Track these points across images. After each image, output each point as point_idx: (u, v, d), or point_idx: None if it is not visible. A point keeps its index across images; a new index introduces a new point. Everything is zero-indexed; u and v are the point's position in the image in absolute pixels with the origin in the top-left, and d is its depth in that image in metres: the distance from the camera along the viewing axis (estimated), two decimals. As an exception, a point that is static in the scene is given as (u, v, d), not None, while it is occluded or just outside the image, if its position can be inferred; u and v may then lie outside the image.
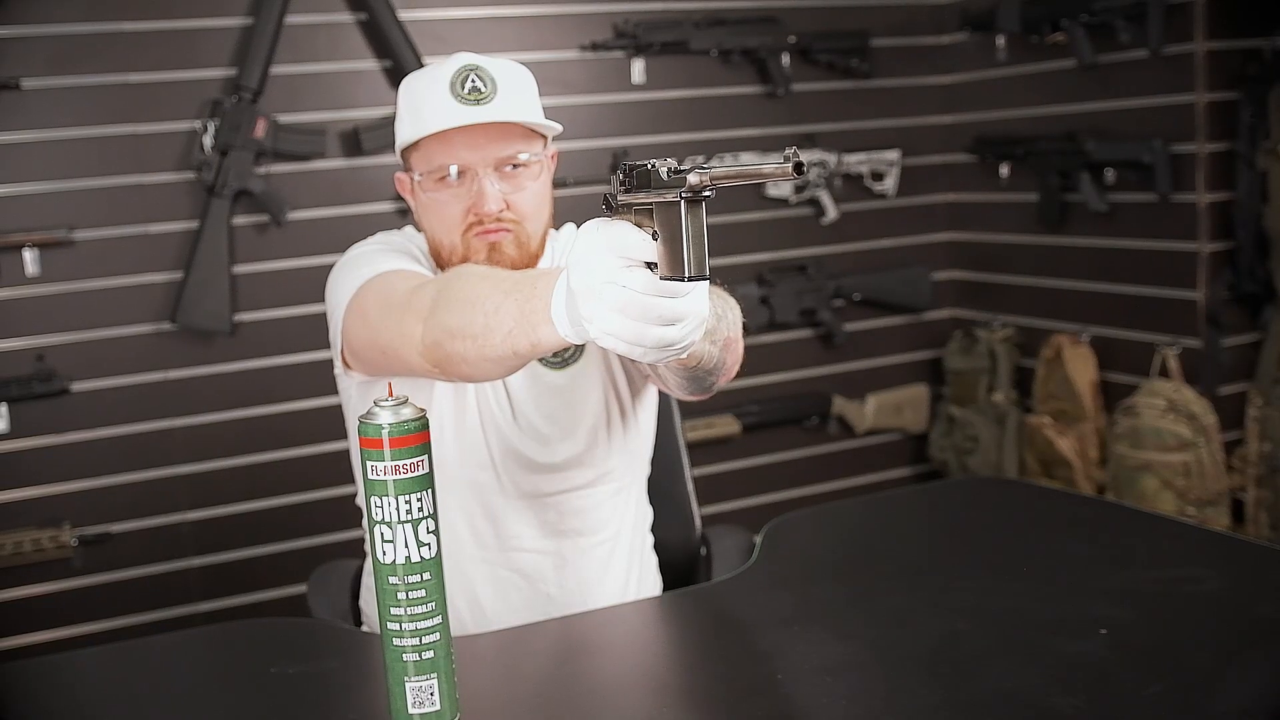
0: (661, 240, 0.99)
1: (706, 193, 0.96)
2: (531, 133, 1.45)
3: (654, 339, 0.96)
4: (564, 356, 1.51)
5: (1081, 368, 2.87)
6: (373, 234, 1.58)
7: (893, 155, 3.28)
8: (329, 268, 1.60)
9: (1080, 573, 1.44)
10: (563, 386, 1.50)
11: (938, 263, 3.40)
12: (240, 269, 2.63)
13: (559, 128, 1.45)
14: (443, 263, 1.46)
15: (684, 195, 0.97)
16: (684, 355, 1.01)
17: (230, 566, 2.63)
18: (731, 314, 1.26)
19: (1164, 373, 2.68)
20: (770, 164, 0.93)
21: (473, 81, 1.39)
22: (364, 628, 1.60)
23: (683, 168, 0.97)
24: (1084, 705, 1.10)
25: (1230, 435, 2.65)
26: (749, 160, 3.12)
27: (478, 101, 1.39)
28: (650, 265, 0.98)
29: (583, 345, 1.51)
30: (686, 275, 0.97)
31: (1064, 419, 2.90)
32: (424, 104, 1.41)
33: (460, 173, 1.42)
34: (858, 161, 3.26)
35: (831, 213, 3.24)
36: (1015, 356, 3.17)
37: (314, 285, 1.59)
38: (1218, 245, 2.65)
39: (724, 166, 0.96)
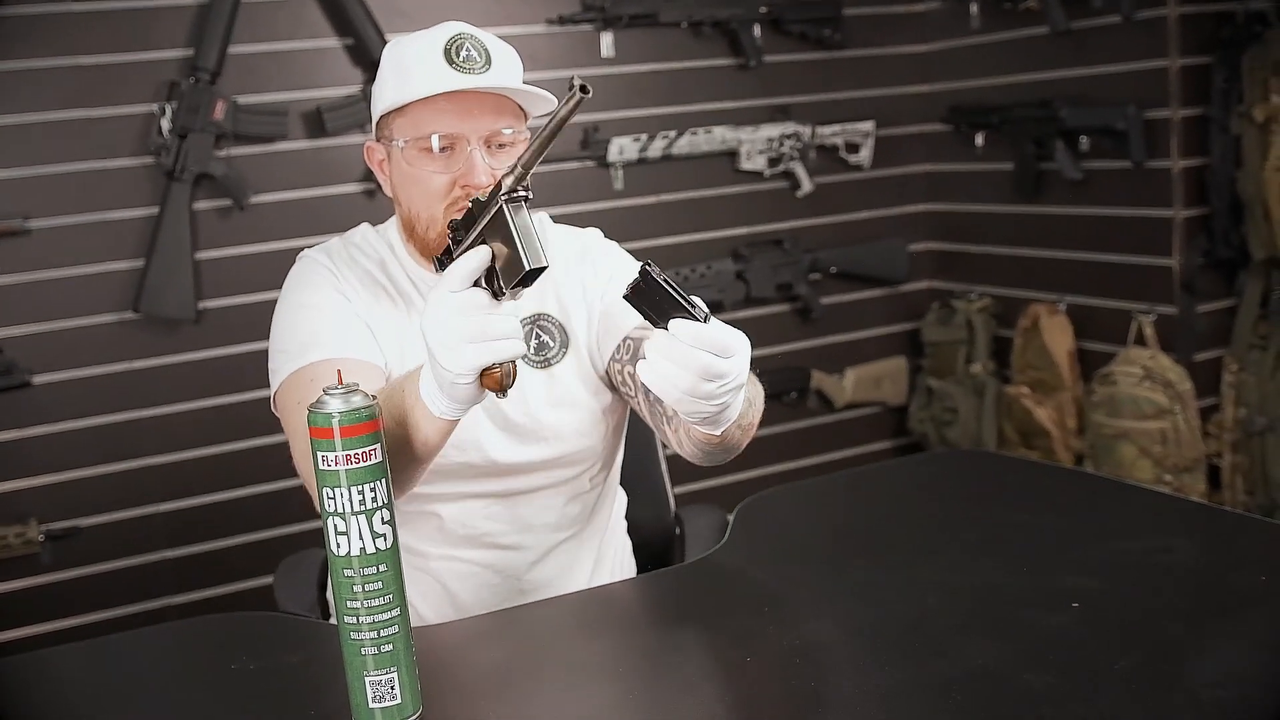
0: (497, 252, 1.04)
1: (521, 190, 1.02)
2: (517, 110, 1.40)
3: (693, 387, 1.09)
4: (546, 356, 1.47)
5: (1059, 337, 2.85)
6: (327, 236, 1.53)
7: (867, 126, 3.25)
8: (295, 252, 1.56)
9: (1054, 545, 1.42)
10: (542, 385, 1.46)
11: (914, 234, 3.38)
12: (203, 255, 2.59)
13: (554, 100, 1.40)
14: (418, 238, 1.41)
15: (501, 198, 1.02)
16: (726, 408, 1.14)
17: (203, 558, 2.60)
18: (760, 401, 1.33)
19: (1140, 340, 2.67)
20: (563, 104, 1.04)
21: (467, 50, 1.34)
22: (332, 619, 1.57)
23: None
24: (1056, 680, 1.08)
25: (1206, 401, 2.63)
26: (722, 133, 3.09)
27: (471, 70, 1.34)
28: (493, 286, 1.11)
29: (566, 343, 1.48)
30: (527, 268, 1.03)
31: (1042, 389, 2.88)
32: (414, 68, 1.35)
33: (448, 144, 1.37)
34: (832, 133, 3.23)
35: (806, 185, 3.21)
36: (993, 327, 3.15)
37: (279, 270, 1.55)
38: (1192, 211, 2.63)
39: (527, 149, 1.08)
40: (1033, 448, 2.89)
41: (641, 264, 1.07)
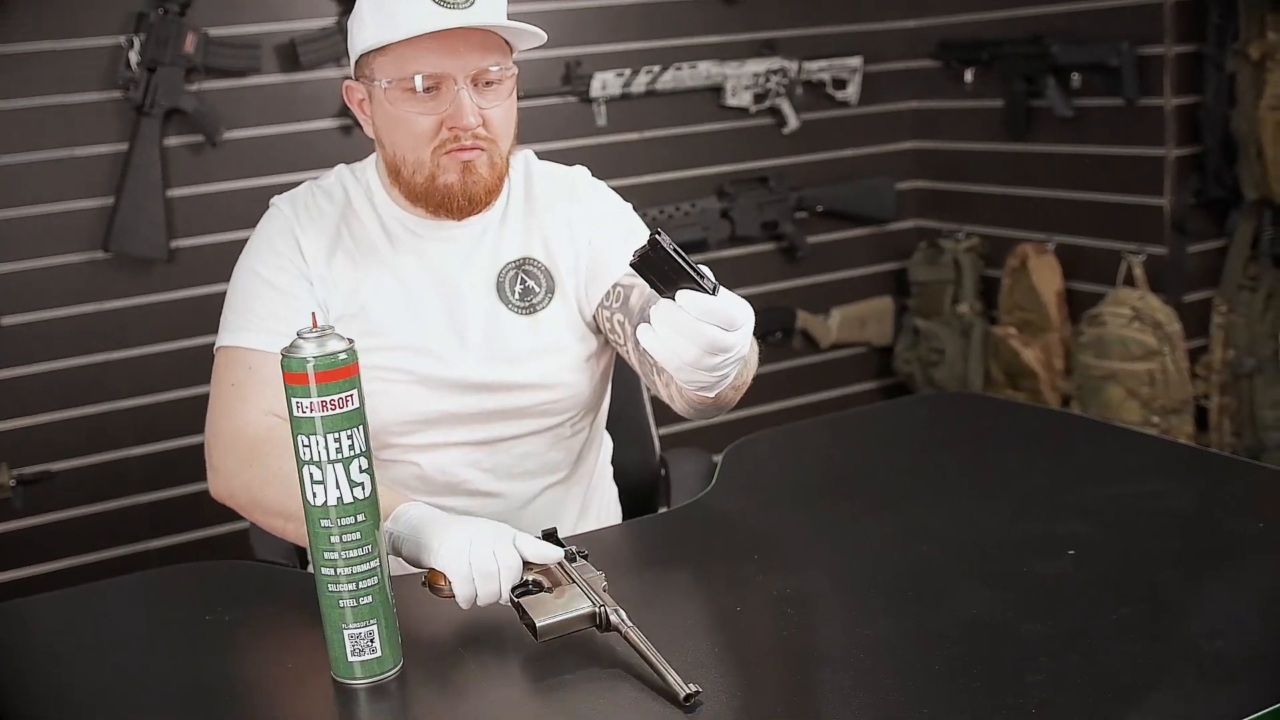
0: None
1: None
2: (504, 47, 1.34)
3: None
4: (531, 302, 1.43)
5: (1047, 277, 2.82)
6: (303, 174, 1.49)
7: (854, 62, 3.19)
8: (270, 190, 1.52)
9: (1047, 490, 1.39)
10: (527, 334, 1.42)
11: (901, 172, 3.33)
12: (175, 192, 2.52)
13: (543, 35, 1.34)
14: (404, 182, 1.37)
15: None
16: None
17: (179, 502, 2.56)
18: (754, 359, 1.30)
19: (1129, 281, 2.64)
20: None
21: None
22: (309, 567, 1.53)
23: None
24: (1051, 631, 1.06)
25: (1194, 343, 2.61)
26: (707, 69, 3.02)
27: (457, 5, 1.28)
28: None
29: (552, 289, 1.43)
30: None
31: (1029, 329, 2.86)
32: (397, 5, 1.29)
33: (433, 84, 1.31)
34: (819, 69, 3.16)
35: (793, 122, 3.15)
36: (980, 267, 3.12)
37: (254, 208, 1.50)
38: (1184, 150, 2.59)
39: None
40: (1019, 389, 2.87)
41: (651, 232, 1.04)
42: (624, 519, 1.70)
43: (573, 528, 1.49)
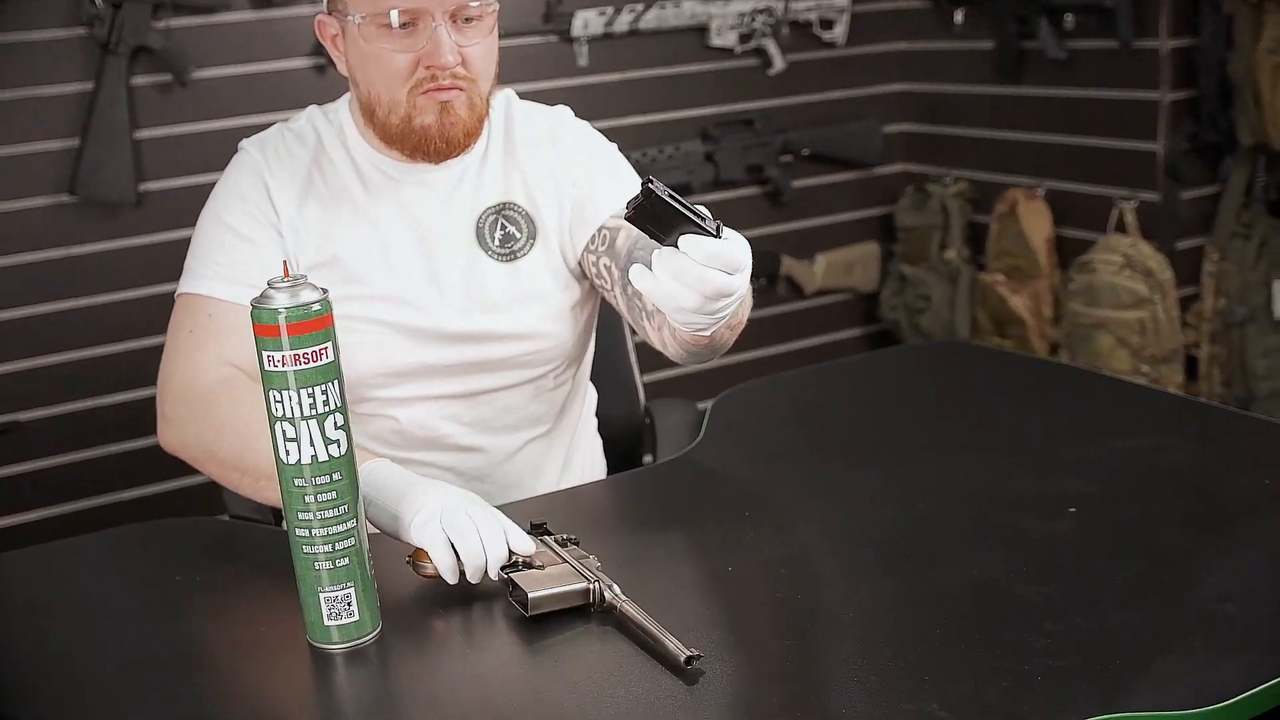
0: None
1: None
2: None
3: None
4: (512, 249, 1.37)
5: (1036, 223, 2.77)
6: (274, 114, 1.43)
7: (842, 1, 3.11)
8: (241, 131, 1.45)
9: (1043, 445, 1.36)
10: (507, 282, 1.37)
11: (889, 115, 3.27)
12: (143, 134, 2.44)
13: None
14: (378, 122, 1.31)
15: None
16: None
17: (152, 452, 2.49)
18: (749, 297, 1.25)
19: (1120, 227, 2.60)
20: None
21: None
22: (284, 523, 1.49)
23: None
24: (1056, 594, 1.03)
25: (1185, 291, 2.58)
26: (691, 7, 2.94)
27: None
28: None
29: (534, 234, 1.38)
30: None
31: (1018, 276, 2.81)
32: None
33: (409, 19, 1.24)
34: (805, 9, 3.08)
35: (778, 63, 3.08)
36: (968, 212, 3.07)
37: (224, 150, 1.44)
38: (1179, 94, 2.54)
39: None
40: (1006, 336, 2.83)
41: (644, 180, 0.98)
42: (609, 472, 1.66)
43: (556, 482, 1.45)
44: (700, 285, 1.01)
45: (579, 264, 1.39)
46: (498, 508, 1.30)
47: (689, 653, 0.94)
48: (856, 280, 3.28)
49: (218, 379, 1.27)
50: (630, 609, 1.02)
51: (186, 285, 1.33)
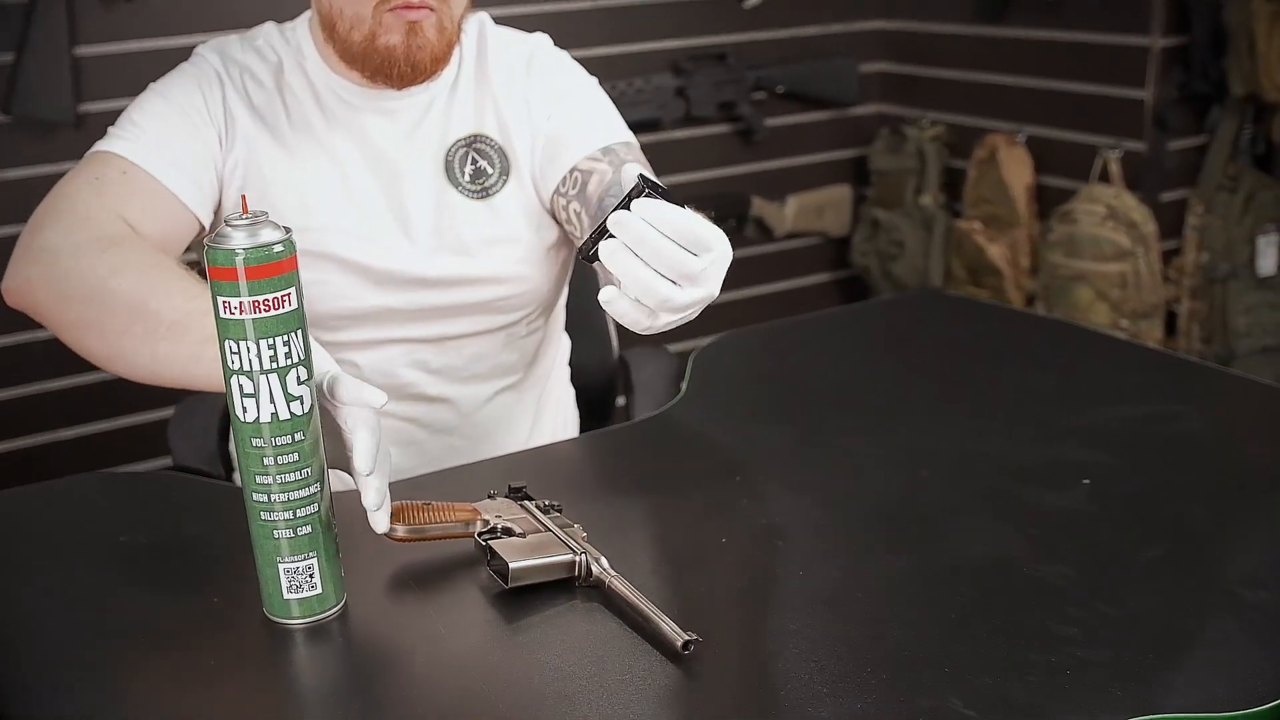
0: None
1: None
2: None
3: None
4: (484, 185, 1.26)
5: (1017, 170, 2.70)
6: (226, 33, 1.30)
7: (822, -68, 2.99)
8: (188, 50, 1.33)
9: (1049, 409, 1.29)
10: (479, 220, 1.26)
11: (865, 53, 3.16)
12: (84, 50, 2.28)
13: None
14: (339, 39, 1.20)
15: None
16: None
17: (92, 390, 2.38)
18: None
19: (1104, 177, 2.53)
20: None
21: None
22: (236, 478, 1.39)
23: None
24: (1075, 574, 0.96)
25: (1167, 245, 2.52)
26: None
27: None
28: None
29: (507, 170, 1.27)
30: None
31: (995, 224, 2.74)
32: None
33: None
34: (784, -62, 2.96)
35: (754, -4, 2.96)
36: (945, 157, 2.99)
37: (170, 70, 1.31)
38: (1171, 40, 2.45)
39: None
40: (982, 286, 2.77)
41: (630, 189, 0.90)
42: (581, 422, 1.57)
43: (527, 436, 1.36)
44: (666, 266, 0.90)
45: (550, 206, 1.29)
46: (467, 466, 1.21)
47: (686, 637, 0.86)
48: (827, 224, 3.20)
49: (116, 230, 1.11)
50: (620, 585, 0.93)
51: (105, 144, 1.19)
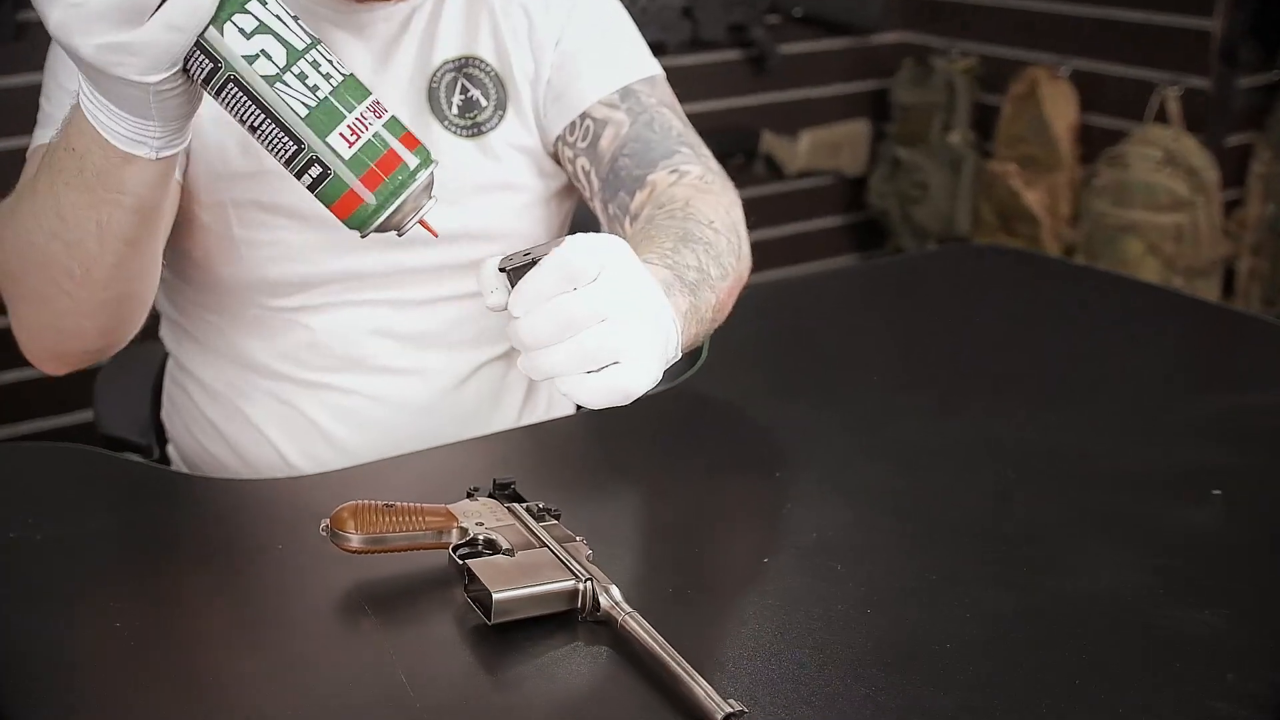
0: None
1: None
2: None
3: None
4: (475, 119, 1.01)
5: (1059, 107, 2.47)
6: None
7: None
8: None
9: (1155, 396, 1.06)
10: (466, 162, 1.01)
11: (890, -26, 2.92)
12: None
13: None
14: None
15: None
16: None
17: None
18: (725, 260, 0.90)
19: (1161, 117, 2.29)
20: None
21: None
22: (171, 455, 1.15)
23: None
24: (1226, 624, 0.74)
25: (1228, 195, 2.29)
26: None
27: None
28: None
29: (504, 102, 1.02)
30: None
31: (1033, 167, 2.51)
32: None
33: None
34: None
35: (772, -94, 2.71)
36: (976, 91, 2.75)
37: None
38: (1243, -38, 2.21)
39: None
40: (1014, 234, 2.55)
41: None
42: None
43: (517, 417, 1.12)
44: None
45: (554, 152, 1.05)
46: (439, 449, 0.98)
47: (728, 709, 0.64)
48: (843, 162, 2.98)
49: None
50: (637, 626, 0.71)
51: (41, 136, 0.96)
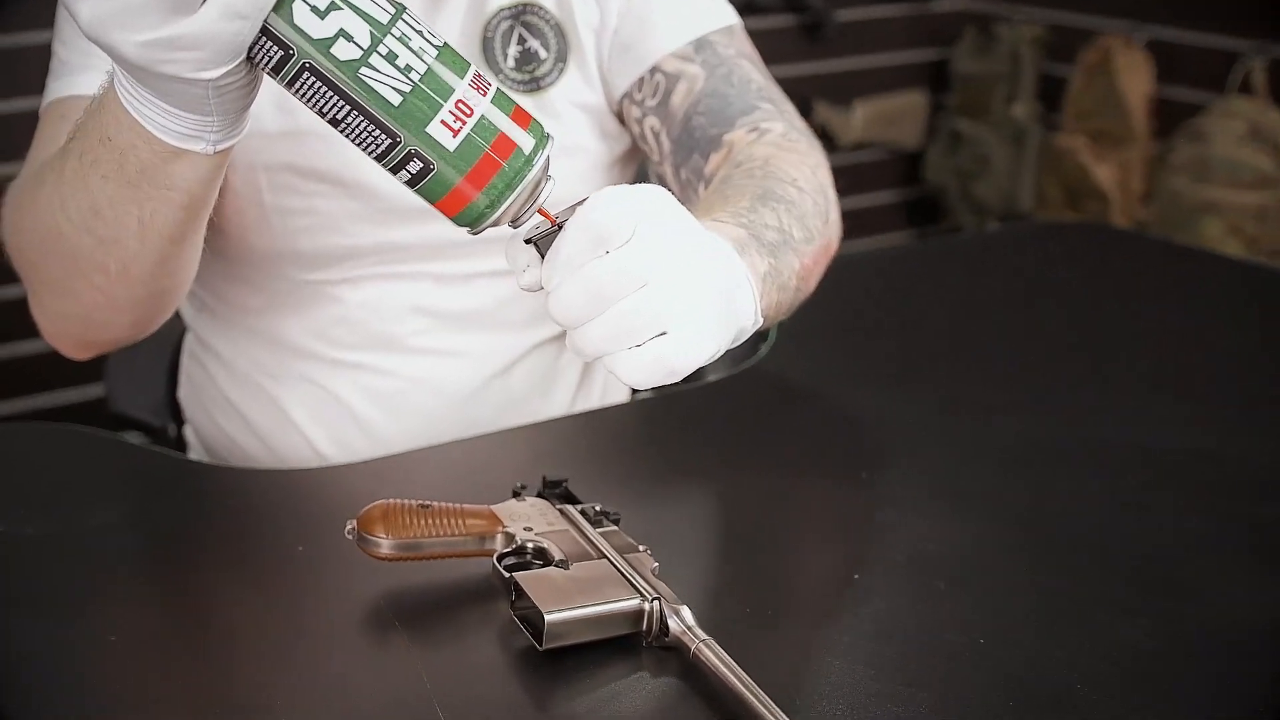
0: None
1: None
2: None
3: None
4: (533, 72, 0.90)
5: (1134, 78, 2.33)
6: None
7: None
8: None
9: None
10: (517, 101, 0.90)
11: (953, -63, 2.79)
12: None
13: None
14: None
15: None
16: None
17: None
18: (810, 222, 0.80)
19: (1245, 88, 2.16)
20: None
21: None
22: (188, 437, 1.05)
23: None
24: None
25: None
26: None
27: None
28: None
29: (565, 53, 0.91)
30: None
31: (1105, 141, 2.38)
32: None
33: None
34: None
35: None
36: (1043, 61, 2.62)
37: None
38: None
39: None
40: (1081, 212, 2.43)
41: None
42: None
43: (570, 402, 1.01)
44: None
45: (619, 111, 0.94)
46: (480, 438, 0.88)
47: None
48: (899, 135, 2.87)
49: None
50: (714, 657, 0.61)
51: (59, 88, 0.86)
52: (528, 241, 0.61)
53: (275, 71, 0.58)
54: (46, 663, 0.63)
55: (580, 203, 0.60)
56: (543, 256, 0.60)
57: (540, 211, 0.61)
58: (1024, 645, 0.65)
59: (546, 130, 0.61)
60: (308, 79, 0.58)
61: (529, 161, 0.60)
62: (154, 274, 0.74)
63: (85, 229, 0.71)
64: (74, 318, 0.80)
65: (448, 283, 0.92)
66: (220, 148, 0.64)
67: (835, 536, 0.76)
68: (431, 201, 0.61)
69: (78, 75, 0.84)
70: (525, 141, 0.60)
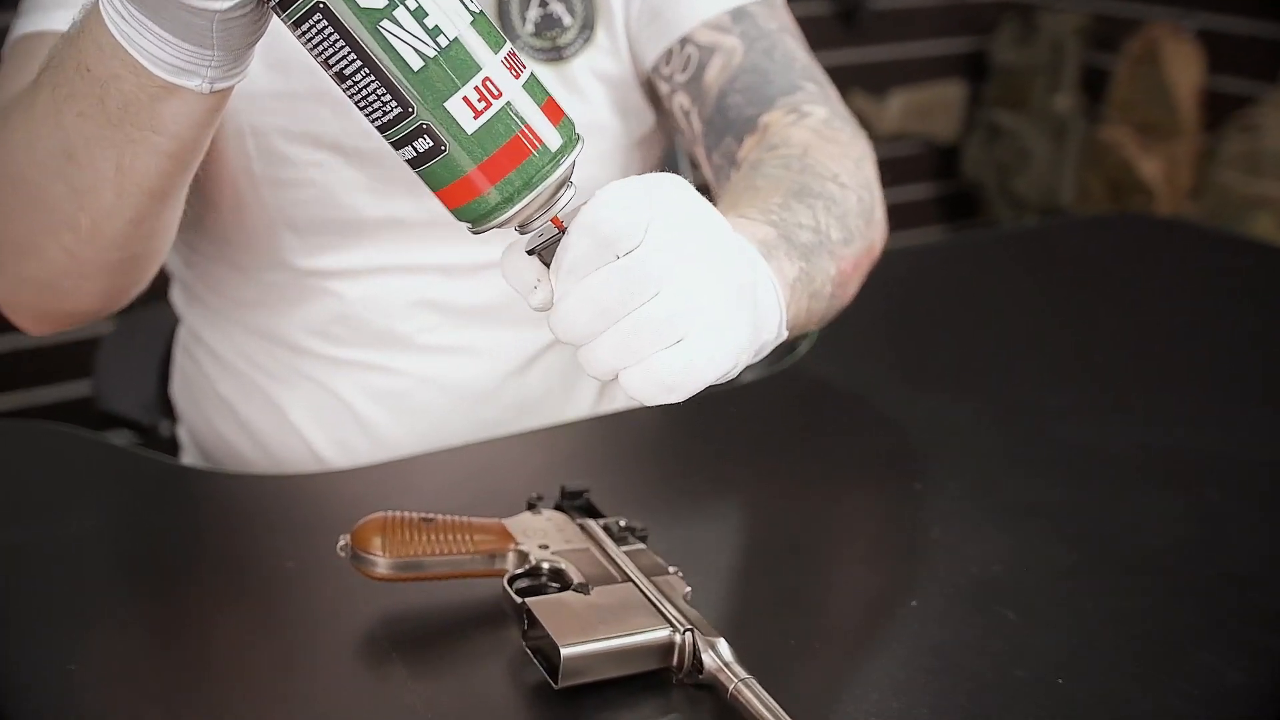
0: None
1: None
2: None
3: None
4: (555, 41, 0.82)
5: (1183, 69, 2.25)
6: None
7: None
8: None
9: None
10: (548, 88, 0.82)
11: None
12: None
13: None
14: None
15: None
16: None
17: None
18: (851, 221, 0.72)
19: (1301, 79, 2.07)
20: None
21: None
22: (181, 437, 0.98)
23: None
24: None
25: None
26: None
27: None
28: None
29: (591, 21, 0.83)
30: None
31: (1152, 134, 2.30)
32: None
33: None
34: None
35: None
36: (1085, 51, 2.54)
37: None
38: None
39: None
40: (1125, 207, 2.35)
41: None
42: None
43: (592, 404, 0.93)
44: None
45: (648, 82, 0.86)
46: (490, 442, 0.80)
47: None
48: (935, 127, 2.80)
49: None
50: (754, 699, 0.53)
51: (27, 23, 0.78)
52: (530, 252, 0.53)
53: (283, 7, 0.49)
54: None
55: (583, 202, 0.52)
56: (548, 268, 0.53)
57: (554, 221, 0.53)
58: (1111, 687, 0.57)
59: (578, 133, 0.52)
60: (318, 21, 0.49)
61: (555, 161, 0.51)
62: (128, 235, 0.65)
63: (56, 174, 0.63)
64: (36, 283, 0.72)
65: (455, 274, 0.85)
66: (218, 87, 0.56)
67: (887, 557, 0.68)
68: (434, 188, 0.52)
69: (52, 10, 0.76)
70: (553, 139, 0.51)
